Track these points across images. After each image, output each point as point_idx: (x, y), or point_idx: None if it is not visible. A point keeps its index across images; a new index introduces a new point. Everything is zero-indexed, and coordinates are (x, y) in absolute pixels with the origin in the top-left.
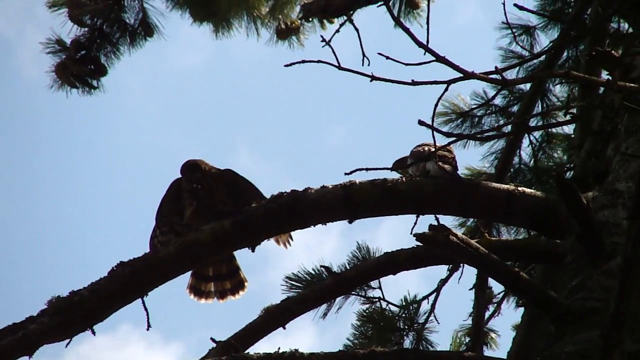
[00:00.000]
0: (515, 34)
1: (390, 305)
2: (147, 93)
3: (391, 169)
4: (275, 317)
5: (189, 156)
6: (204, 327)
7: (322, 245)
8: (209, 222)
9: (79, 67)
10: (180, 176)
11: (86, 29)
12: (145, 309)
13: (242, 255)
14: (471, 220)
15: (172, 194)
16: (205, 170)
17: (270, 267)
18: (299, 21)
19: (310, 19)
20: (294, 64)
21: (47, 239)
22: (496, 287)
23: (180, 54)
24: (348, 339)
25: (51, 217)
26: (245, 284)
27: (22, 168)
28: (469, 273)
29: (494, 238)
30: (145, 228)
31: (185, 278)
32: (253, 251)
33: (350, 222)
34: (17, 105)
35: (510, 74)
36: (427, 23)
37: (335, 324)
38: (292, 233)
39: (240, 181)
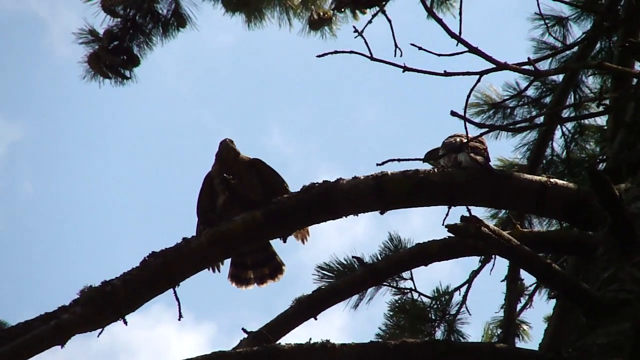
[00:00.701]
0: (548, 24)
1: (422, 296)
2: (179, 77)
3: (423, 160)
4: (307, 308)
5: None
6: (235, 307)
7: (355, 227)
8: (240, 210)
9: (112, 58)
10: (210, 169)
11: (119, 19)
12: (177, 299)
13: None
14: (503, 211)
15: (207, 188)
16: (238, 156)
17: (303, 247)
18: (331, 12)
19: (343, 10)
20: (326, 54)
21: (76, 227)
22: (528, 279)
23: (213, 43)
24: (380, 329)
25: (78, 203)
26: (283, 267)
27: (52, 151)
28: (501, 265)
29: (526, 229)
30: (181, 216)
31: None
32: (285, 242)
33: (381, 213)
34: (50, 84)
35: (543, 65)
36: (460, 14)
37: (367, 315)
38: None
39: (268, 170)
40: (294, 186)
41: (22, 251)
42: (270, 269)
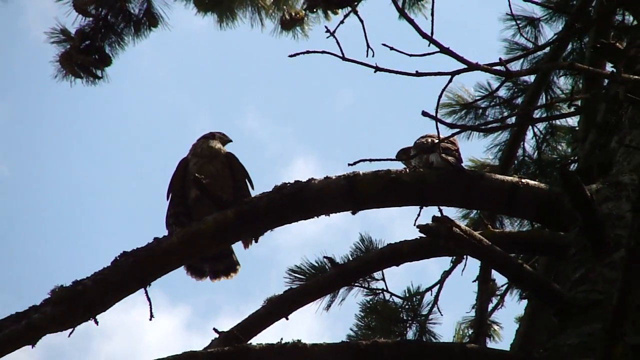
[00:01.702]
0: (520, 25)
1: (393, 296)
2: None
3: (395, 159)
4: (278, 308)
5: (199, 130)
6: (210, 290)
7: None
8: (212, 207)
9: (84, 57)
10: (187, 154)
11: (91, 18)
12: (149, 299)
13: None
14: (475, 212)
15: (180, 172)
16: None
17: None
18: (304, 12)
19: (315, 10)
20: (298, 54)
21: (52, 210)
22: (499, 279)
23: (186, 41)
24: (351, 330)
25: (54, 186)
26: (238, 267)
27: (29, 134)
28: (473, 265)
29: (497, 230)
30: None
31: None
32: (256, 242)
33: (353, 213)
34: (26, 66)
35: (515, 66)
36: (432, 14)
37: (339, 316)
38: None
39: (240, 167)
40: (269, 172)
41: None
42: (225, 265)
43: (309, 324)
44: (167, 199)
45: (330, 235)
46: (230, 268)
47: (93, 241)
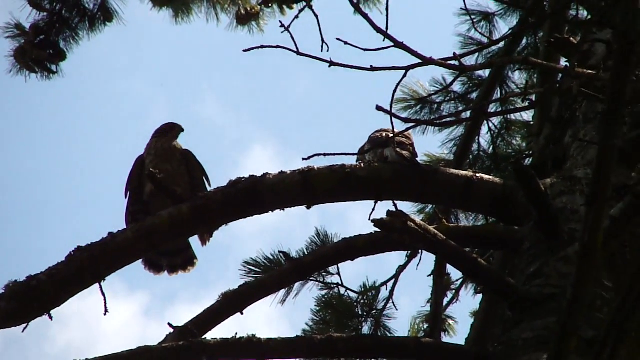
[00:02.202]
0: (474, 20)
1: (348, 291)
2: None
3: (355, 155)
4: (233, 303)
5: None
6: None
7: None
8: (167, 203)
9: (38, 52)
10: (144, 151)
11: (45, 13)
12: (103, 294)
13: None
14: (430, 207)
15: (137, 170)
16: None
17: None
18: (259, 7)
19: (270, 5)
20: (252, 49)
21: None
22: (454, 273)
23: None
24: (307, 324)
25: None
26: (195, 260)
27: None
28: (428, 260)
29: (452, 224)
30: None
31: None
32: (211, 236)
33: (308, 208)
34: None
35: (469, 61)
36: (387, 9)
37: (294, 310)
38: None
39: (196, 164)
40: (227, 158)
41: None
42: (183, 259)
43: (265, 312)
44: (125, 197)
45: (288, 222)
46: (188, 262)
47: (51, 233)
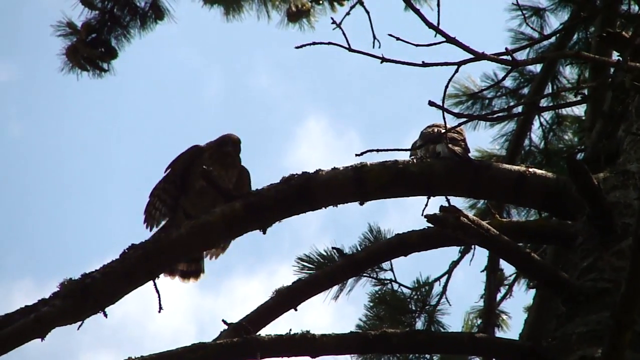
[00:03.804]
0: (526, 15)
1: (402, 287)
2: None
3: (408, 150)
4: (286, 299)
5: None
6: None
7: None
8: (211, 201)
9: (90, 50)
10: (199, 144)
11: (97, 12)
12: (157, 292)
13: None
14: (482, 202)
15: (189, 156)
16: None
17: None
18: (310, 4)
19: (321, 2)
20: (304, 45)
21: (64, 169)
22: (508, 269)
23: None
24: (360, 320)
25: (67, 146)
26: (202, 273)
27: (41, 93)
28: (481, 255)
29: (505, 219)
30: None
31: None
32: (264, 233)
33: (361, 204)
34: (39, 25)
35: (521, 56)
36: (438, 4)
37: (348, 306)
38: None
39: (247, 183)
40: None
41: (10, 194)
42: (196, 268)
43: (317, 314)
44: (164, 172)
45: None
46: (197, 272)
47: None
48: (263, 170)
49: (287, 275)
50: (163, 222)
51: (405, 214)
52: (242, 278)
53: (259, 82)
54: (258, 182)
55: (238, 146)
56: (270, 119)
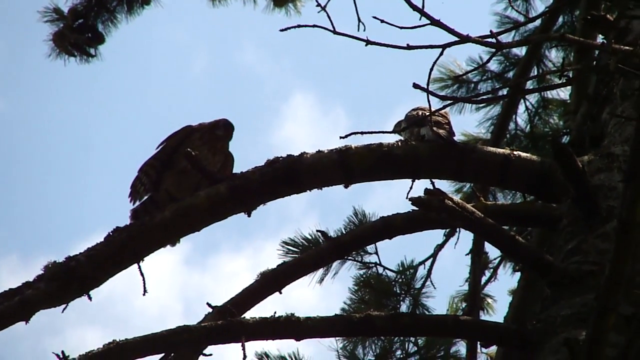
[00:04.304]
0: None
1: (386, 270)
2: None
3: (391, 132)
4: (271, 282)
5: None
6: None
7: None
8: (195, 182)
9: (77, 36)
10: (197, 125)
11: None
12: (142, 275)
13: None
14: (467, 186)
15: (181, 135)
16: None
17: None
18: None
19: None
20: (289, 28)
21: (48, 146)
22: (493, 252)
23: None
24: (345, 303)
25: (51, 122)
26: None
27: (24, 69)
28: (466, 238)
29: (490, 202)
30: None
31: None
32: (249, 216)
33: (346, 187)
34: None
35: (506, 38)
36: None
37: (334, 284)
38: None
39: (230, 169)
40: (268, 109)
41: None
42: None
43: (302, 296)
44: (156, 149)
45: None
46: None
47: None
48: (249, 147)
49: (273, 253)
50: (145, 197)
51: (391, 190)
52: (228, 254)
53: (245, 60)
54: (243, 159)
55: (230, 132)
56: (256, 96)
